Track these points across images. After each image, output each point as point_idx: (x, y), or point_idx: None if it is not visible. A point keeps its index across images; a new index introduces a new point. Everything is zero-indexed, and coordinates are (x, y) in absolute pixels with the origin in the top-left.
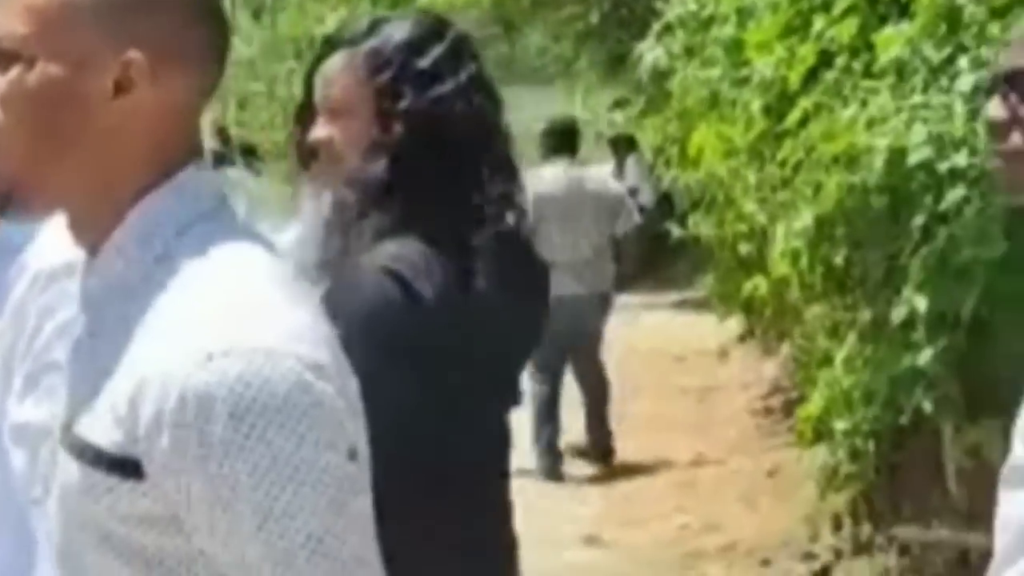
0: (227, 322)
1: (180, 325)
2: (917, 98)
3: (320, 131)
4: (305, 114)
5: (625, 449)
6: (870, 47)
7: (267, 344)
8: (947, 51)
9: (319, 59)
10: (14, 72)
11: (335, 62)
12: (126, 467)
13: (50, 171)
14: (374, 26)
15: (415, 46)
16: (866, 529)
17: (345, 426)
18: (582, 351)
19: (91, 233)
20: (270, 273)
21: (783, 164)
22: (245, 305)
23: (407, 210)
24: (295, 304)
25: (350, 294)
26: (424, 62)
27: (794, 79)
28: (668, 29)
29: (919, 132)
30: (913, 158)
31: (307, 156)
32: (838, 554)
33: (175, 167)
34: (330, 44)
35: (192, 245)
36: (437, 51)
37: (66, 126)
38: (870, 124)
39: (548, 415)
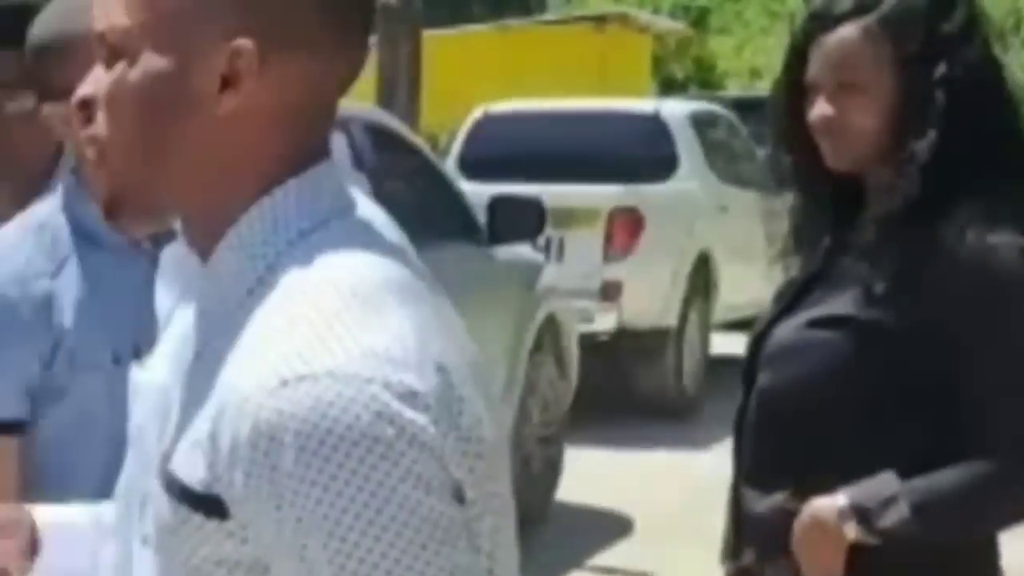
0: (307, 343)
1: (262, 347)
2: None
3: (823, 108)
4: (792, 93)
5: None
6: None
7: (347, 368)
8: None
9: (807, 34)
10: (117, 69)
11: (844, 34)
12: (210, 505)
13: (156, 175)
14: None
15: (939, 9)
16: None
17: (447, 463)
18: None
19: (202, 239)
20: (377, 285)
21: None
22: (332, 323)
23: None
24: (398, 321)
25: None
26: (951, 26)
27: None
28: None
29: None
30: None
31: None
32: None
33: (294, 168)
34: (819, 18)
35: (299, 256)
36: (960, 12)
37: (172, 125)
38: None
39: None
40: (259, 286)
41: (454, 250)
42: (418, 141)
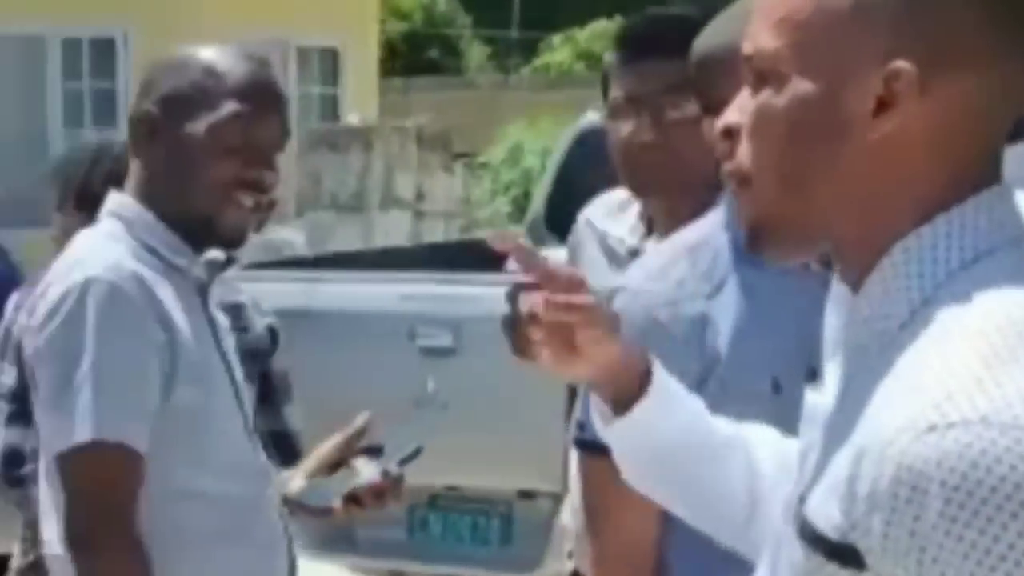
0: (961, 386)
1: (911, 387)
2: None
3: None
4: None
5: None
6: None
7: (1004, 415)
8: None
9: None
10: (763, 95)
11: None
12: (845, 555)
13: (804, 204)
14: None
15: None
16: None
17: None
18: None
19: (852, 269)
20: None
21: None
22: (990, 364)
23: None
24: None
25: None
26: None
27: None
28: None
29: None
30: None
31: None
32: None
33: (958, 194)
34: None
35: (959, 290)
36: None
37: (822, 152)
38: None
39: None
40: (912, 321)
41: None
42: None
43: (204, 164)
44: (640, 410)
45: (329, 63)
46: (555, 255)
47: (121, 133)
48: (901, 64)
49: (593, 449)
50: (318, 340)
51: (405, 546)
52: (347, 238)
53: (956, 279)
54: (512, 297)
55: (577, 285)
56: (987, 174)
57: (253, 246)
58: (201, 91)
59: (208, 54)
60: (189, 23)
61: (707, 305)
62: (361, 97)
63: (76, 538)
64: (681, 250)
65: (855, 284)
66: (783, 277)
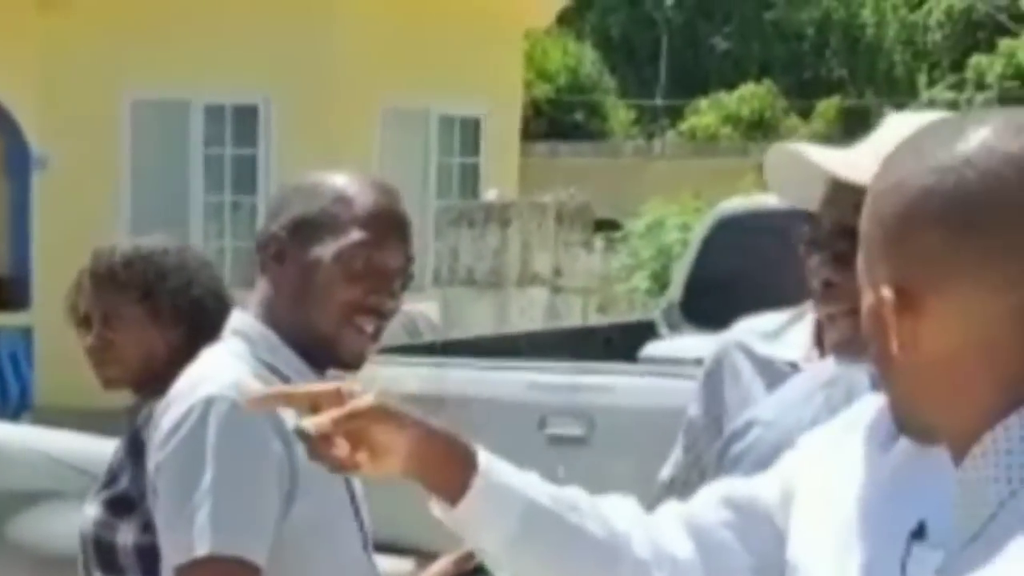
0: None
1: None
2: None
3: None
4: None
5: None
6: None
7: None
8: None
9: None
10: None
11: None
12: None
13: (907, 400)
14: None
15: None
16: None
17: None
18: None
19: (955, 445)
20: None
21: None
22: None
23: None
24: None
25: None
26: None
27: None
28: None
29: None
30: None
31: None
32: None
33: None
34: None
35: None
36: None
37: (890, 357)
38: None
39: None
40: (1001, 512)
41: None
42: None
43: (328, 288)
44: (465, 507)
45: (471, 132)
46: (690, 344)
47: (260, 198)
48: (886, 292)
49: None
50: (447, 427)
51: None
52: (483, 314)
53: None
54: (299, 432)
55: (347, 394)
56: None
57: (393, 323)
58: (330, 217)
59: (338, 180)
60: (330, 92)
61: None
62: (502, 166)
63: None
64: (816, 384)
65: (958, 456)
66: None
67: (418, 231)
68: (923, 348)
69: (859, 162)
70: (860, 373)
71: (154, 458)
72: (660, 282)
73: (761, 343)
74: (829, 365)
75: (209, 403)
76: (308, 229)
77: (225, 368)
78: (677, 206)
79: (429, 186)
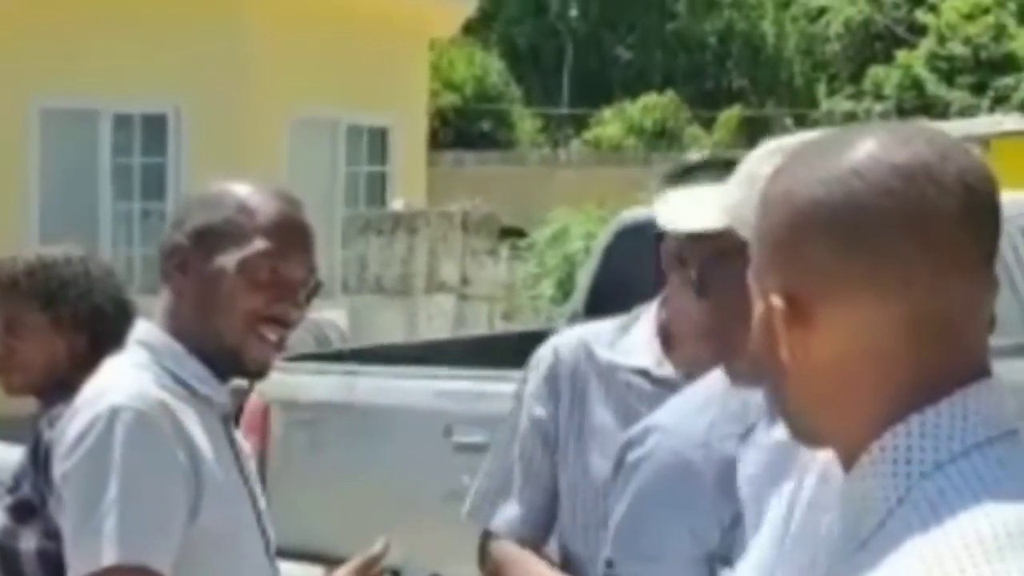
0: None
1: None
2: None
3: None
4: None
5: None
6: None
7: None
8: None
9: None
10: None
11: None
12: None
13: (790, 405)
14: None
15: None
16: None
17: None
18: None
19: (844, 457)
20: (997, 539)
21: None
22: None
23: None
24: None
25: None
26: None
27: None
28: None
29: None
30: None
31: None
32: None
33: (930, 395)
34: None
35: (928, 494)
36: None
37: (779, 363)
38: None
39: None
40: (889, 519)
41: None
42: None
43: (232, 298)
44: None
45: (378, 141)
46: None
47: (169, 206)
48: (775, 300)
49: None
50: (354, 433)
51: None
52: (391, 321)
53: (930, 480)
54: None
55: None
56: (963, 371)
57: (301, 330)
58: (234, 226)
59: (241, 190)
60: (239, 101)
61: (738, 448)
62: (410, 175)
63: None
64: (714, 391)
65: (847, 467)
66: None
67: (326, 240)
68: (813, 357)
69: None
70: None
71: (60, 467)
72: (565, 290)
73: (602, 349)
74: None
75: (115, 413)
76: (212, 239)
77: (129, 378)
78: (582, 215)
79: (337, 195)
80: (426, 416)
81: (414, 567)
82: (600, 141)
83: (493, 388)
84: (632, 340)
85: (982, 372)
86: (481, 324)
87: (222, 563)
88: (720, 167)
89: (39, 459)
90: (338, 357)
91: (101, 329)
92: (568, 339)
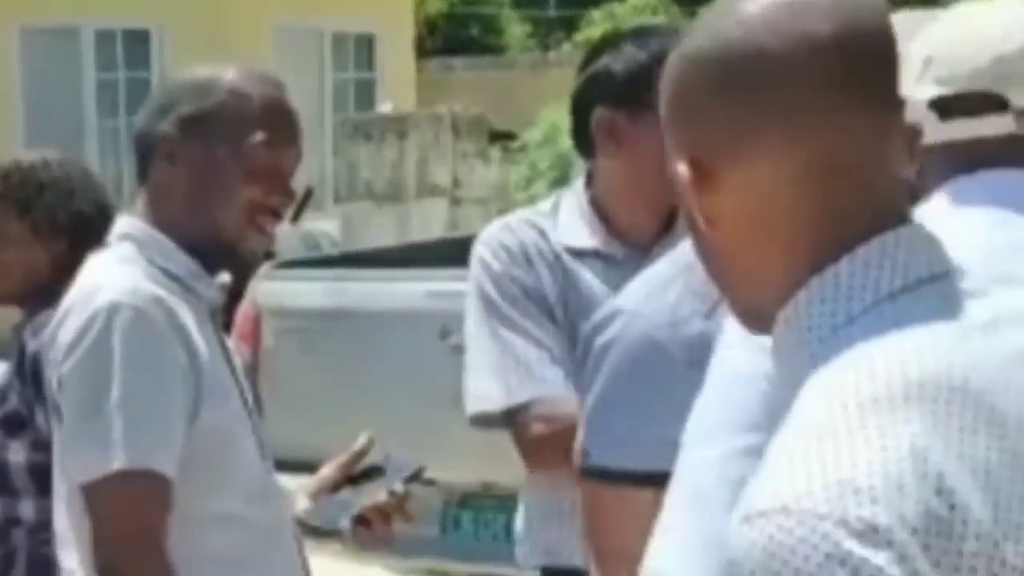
0: (780, 473)
1: (763, 469)
2: None
3: None
4: None
5: None
6: None
7: (804, 503)
8: None
9: None
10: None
11: None
12: None
13: (713, 276)
14: None
15: None
16: None
17: None
18: None
19: (758, 322)
20: (894, 392)
21: None
22: (811, 448)
23: None
24: (896, 438)
25: None
26: None
27: None
28: None
29: None
30: None
31: None
32: None
33: (845, 247)
34: None
35: (834, 349)
36: None
37: (699, 231)
38: None
39: None
40: (805, 381)
41: None
42: None
43: (232, 188)
44: None
45: (365, 48)
46: None
47: None
48: (680, 166)
49: (599, 476)
50: (348, 340)
51: (439, 545)
52: (383, 228)
53: (840, 334)
54: None
55: None
56: (866, 226)
57: (290, 237)
58: (229, 114)
59: (230, 76)
60: (222, 13)
61: (705, 325)
62: (398, 82)
63: (108, 567)
64: (675, 269)
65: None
66: None
67: (316, 147)
68: (725, 220)
69: None
70: None
71: (55, 372)
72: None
73: (551, 231)
74: (687, 248)
75: (113, 311)
76: (204, 127)
77: (121, 274)
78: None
79: (326, 103)
80: (421, 318)
81: (398, 461)
82: (590, 43)
83: None
84: (567, 221)
85: (896, 221)
86: (475, 228)
87: (220, 462)
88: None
89: (24, 370)
90: (328, 263)
91: (82, 233)
92: (514, 221)
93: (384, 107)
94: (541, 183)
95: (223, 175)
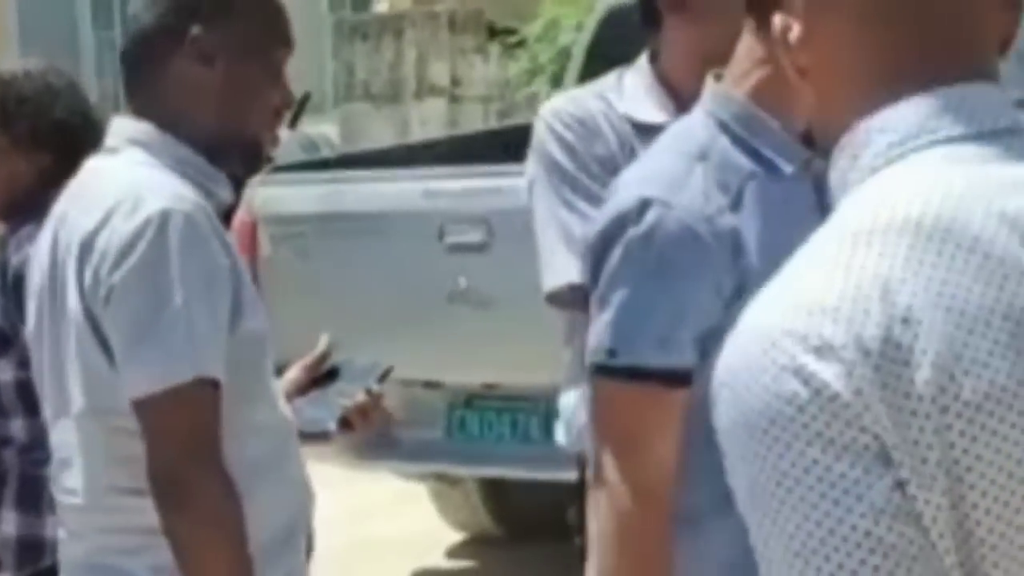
0: (775, 290)
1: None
2: None
3: None
4: None
5: None
6: None
7: (768, 319)
8: None
9: None
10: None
11: None
12: None
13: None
14: None
15: None
16: None
17: (866, 421)
18: None
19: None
20: (890, 225)
21: None
22: (796, 272)
23: None
24: (871, 265)
25: None
26: None
27: None
28: None
29: None
30: None
31: None
32: None
33: (889, 98)
34: None
35: (868, 186)
36: None
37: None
38: None
39: None
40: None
41: None
42: None
43: (267, 94)
44: None
45: None
46: None
47: None
48: (778, 18)
49: (627, 375)
50: (345, 243)
51: (445, 447)
52: (383, 129)
53: (880, 173)
54: None
55: None
56: (935, 74)
57: (291, 142)
58: (259, 16)
59: None
60: None
61: (734, 218)
62: None
63: (172, 481)
64: (688, 158)
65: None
66: (788, 181)
67: (314, 48)
68: (809, 65)
69: None
70: (723, 139)
71: (104, 283)
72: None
73: (616, 101)
74: (689, 134)
75: (165, 217)
76: (238, 28)
77: (158, 179)
78: (572, 6)
79: (321, 2)
80: (417, 219)
81: (360, 363)
82: None
83: (487, 184)
84: (633, 95)
85: (972, 75)
86: (476, 126)
87: (256, 371)
88: None
89: (7, 285)
90: (324, 165)
91: (66, 145)
92: (579, 93)
93: (380, 6)
94: (542, 78)
95: (259, 78)
